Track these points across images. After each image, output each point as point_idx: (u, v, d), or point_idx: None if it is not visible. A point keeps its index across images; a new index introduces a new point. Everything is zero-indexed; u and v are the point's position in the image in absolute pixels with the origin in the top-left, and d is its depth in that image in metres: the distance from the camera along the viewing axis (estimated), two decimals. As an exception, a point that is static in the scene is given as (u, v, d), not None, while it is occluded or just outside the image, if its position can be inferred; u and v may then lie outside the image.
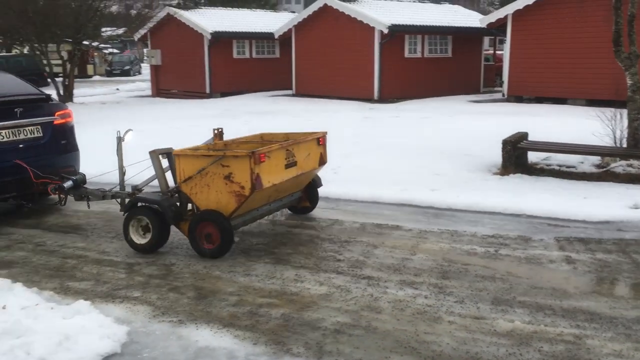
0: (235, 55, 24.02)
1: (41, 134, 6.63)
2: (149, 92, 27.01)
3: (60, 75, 23.21)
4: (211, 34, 22.56)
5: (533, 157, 8.47)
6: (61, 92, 21.94)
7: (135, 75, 42.65)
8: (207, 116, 15.96)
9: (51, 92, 23.50)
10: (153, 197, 5.53)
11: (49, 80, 23.53)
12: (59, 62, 23.08)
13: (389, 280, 4.52)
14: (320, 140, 6.14)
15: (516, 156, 8.10)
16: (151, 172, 5.79)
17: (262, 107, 18.08)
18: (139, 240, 5.39)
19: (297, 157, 5.67)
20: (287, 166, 5.52)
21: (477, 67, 22.07)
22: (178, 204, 5.48)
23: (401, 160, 9.18)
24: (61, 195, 6.15)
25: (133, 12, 24.56)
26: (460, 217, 6.35)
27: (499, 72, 22.33)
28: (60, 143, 6.83)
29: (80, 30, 21.54)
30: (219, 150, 5.55)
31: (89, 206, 6.30)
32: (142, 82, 32.57)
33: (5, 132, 6.26)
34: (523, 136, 8.50)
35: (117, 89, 30.34)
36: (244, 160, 4.98)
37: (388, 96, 19.34)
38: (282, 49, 24.47)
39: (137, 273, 4.80)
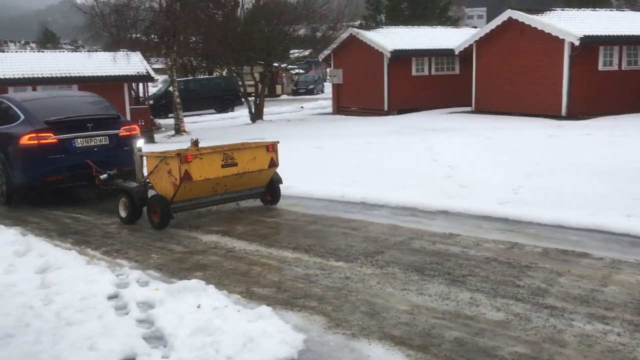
0: (414, 73, 24.09)
1: (108, 142, 9.13)
2: (330, 110, 28.14)
3: (253, 94, 25.21)
4: (391, 52, 22.90)
5: None
6: (253, 110, 23.83)
7: (318, 94, 44.71)
8: (383, 133, 16.20)
9: (244, 110, 25.67)
10: (129, 185, 7.77)
11: (243, 99, 25.70)
12: (252, 82, 25.11)
13: (575, 312, 4.17)
14: (269, 147, 7.77)
15: None
16: None
17: (440, 124, 17.87)
18: (123, 214, 7.62)
19: (237, 160, 7.42)
20: (225, 166, 7.31)
21: (687, 78, 19.57)
22: (154, 191, 7.39)
23: (591, 181, 8.45)
24: (102, 185, 8.60)
25: (318, 34, 25.84)
26: (663, 247, 5.65)
27: None
28: (124, 149, 8.97)
29: (271, 53, 23.24)
30: (163, 152, 7.46)
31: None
32: (325, 100, 34.04)
33: (80, 140, 8.89)
34: None
35: (302, 107, 32.07)
36: (175, 160, 6.94)
37: (577, 112, 17.96)
38: (461, 65, 24.00)
39: (315, 284, 5.00)
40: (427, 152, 11.95)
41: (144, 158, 7.77)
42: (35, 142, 8.65)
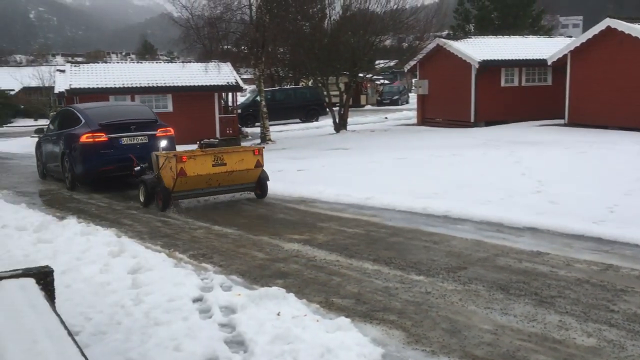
0: (503, 84, 23.41)
1: (147, 141, 11.29)
2: (414, 121, 27.85)
3: (337, 105, 25.40)
4: (479, 62, 22.38)
5: None
6: (337, 120, 24.00)
7: (402, 104, 44.33)
8: (469, 145, 15.82)
9: (328, 120, 25.90)
10: (145, 177, 9.75)
11: (327, 109, 25.95)
12: (337, 93, 25.31)
13: (676, 343, 3.87)
14: (255, 151, 9.60)
15: None
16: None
17: (530, 137, 17.23)
18: (141, 199, 9.69)
19: (226, 160, 9.23)
20: (215, 165, 9.14)
21: None
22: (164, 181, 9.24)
23: (698, 202, 7.84)
24: (135, 175, 10.29)
25: (405, 44, 25.67)
26: None
27: None
28: (159, 147, 10.52)
29: (356, 63, 23.33)
30: (167, 153, 9.46)
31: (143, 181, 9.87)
32: (409, 111, 33.71)
33: (125, 139, 11.20)
34: None
35: (386, 118, 31.92)
36: (174, 159, 8.88)
37: (683, 127, 16.75)
38: (554, 76, 23.06)
39: (394, 297, 4.94)
40: (515, 166, 11.55)
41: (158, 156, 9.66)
42: (91, 140, 11.08)
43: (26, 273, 3.45)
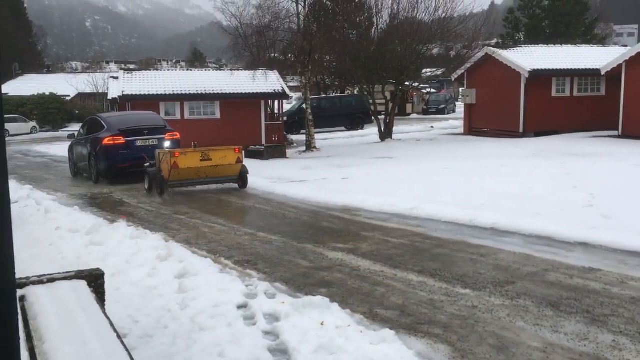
0: (553, 94, 22.85)
1: (157, 143, 13.49)
2: (461, 131, 27.46)
3: (383, 113, 25.30)
4: (529, 72, 21.93)
5: None
6: (382, 129, 23.90)
7: (449, 113, 43.78)
8: (517, 156, 15.50)
9: (374, 128, 25.84)
10: (150, 169, 12.05)
11: (373, 118, 25.88)
12: (382, 101, 25.20)
13: None
14: (236, 150, 11.84)
15: None
16: None
17: (581, 149, 16.75)
18: (146, 186, 12.02)
19: (211, 157, 11.48)
20: (202, 160, 11.40)
21: None
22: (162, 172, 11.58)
23: None
24: (145, 170, 12.42)
25: (452, 53, 25.36)
26: None
27: None
28: (164, 147, 12.73)
29: (403, 72, 23.20)
30: (165, 150, 11.76)
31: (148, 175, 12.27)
32: (455, 120, 33.29)
33: (139, 141, 13.61)
34: None
35: (432, 127, 31.59)
36: (169, 155, 11.17)
37: None
38: (608, 86, 22.38)
39: (440, 310, 4.86)
40: (566, 178, 11.23)
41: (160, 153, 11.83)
42: (112, 142, 13.50)
43: (78, 275, 3.55)
